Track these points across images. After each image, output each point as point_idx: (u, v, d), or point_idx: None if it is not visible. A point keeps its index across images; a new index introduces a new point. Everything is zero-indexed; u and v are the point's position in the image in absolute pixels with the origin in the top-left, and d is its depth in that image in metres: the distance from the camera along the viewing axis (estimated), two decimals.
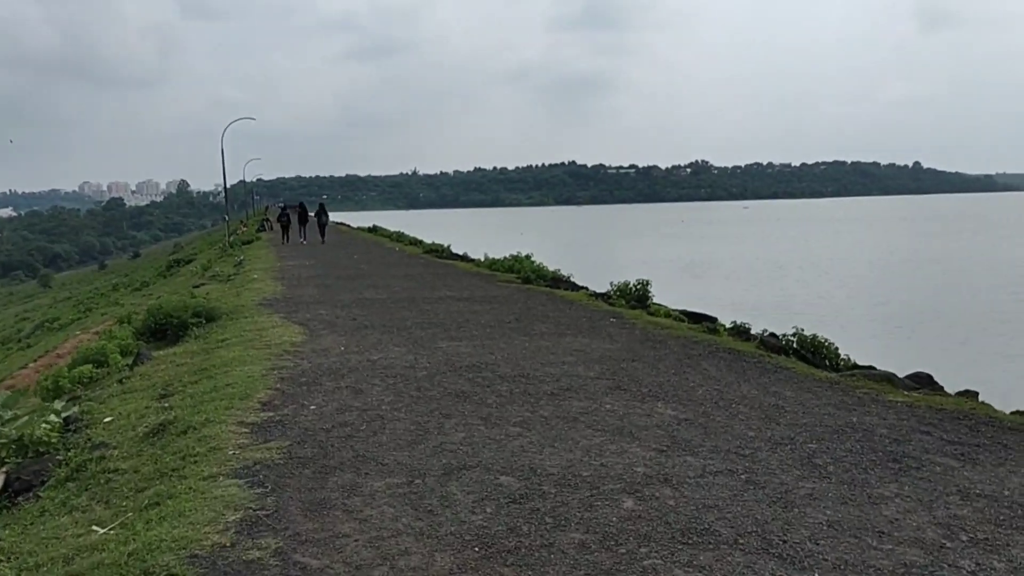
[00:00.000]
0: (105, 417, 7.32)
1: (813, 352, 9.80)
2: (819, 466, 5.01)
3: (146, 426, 6.70)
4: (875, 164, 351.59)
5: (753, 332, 11.21)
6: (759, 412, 6.31)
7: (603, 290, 17.82)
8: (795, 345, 9.63)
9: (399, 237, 39.70)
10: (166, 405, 7.37)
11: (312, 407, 6.63)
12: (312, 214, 39.72)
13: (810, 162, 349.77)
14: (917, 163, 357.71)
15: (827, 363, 9.74)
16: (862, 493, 4.54)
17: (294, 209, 45.68)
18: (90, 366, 10.98)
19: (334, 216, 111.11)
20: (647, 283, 15.29)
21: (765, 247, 76.41)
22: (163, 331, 12.67)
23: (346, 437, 5.76)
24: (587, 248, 77.36)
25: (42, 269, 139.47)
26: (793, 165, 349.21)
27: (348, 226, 66.51)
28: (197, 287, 22.07)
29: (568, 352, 9.02)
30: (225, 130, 46.89)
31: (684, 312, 12.39)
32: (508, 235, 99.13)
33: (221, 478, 4.91)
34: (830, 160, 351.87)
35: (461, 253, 30.87)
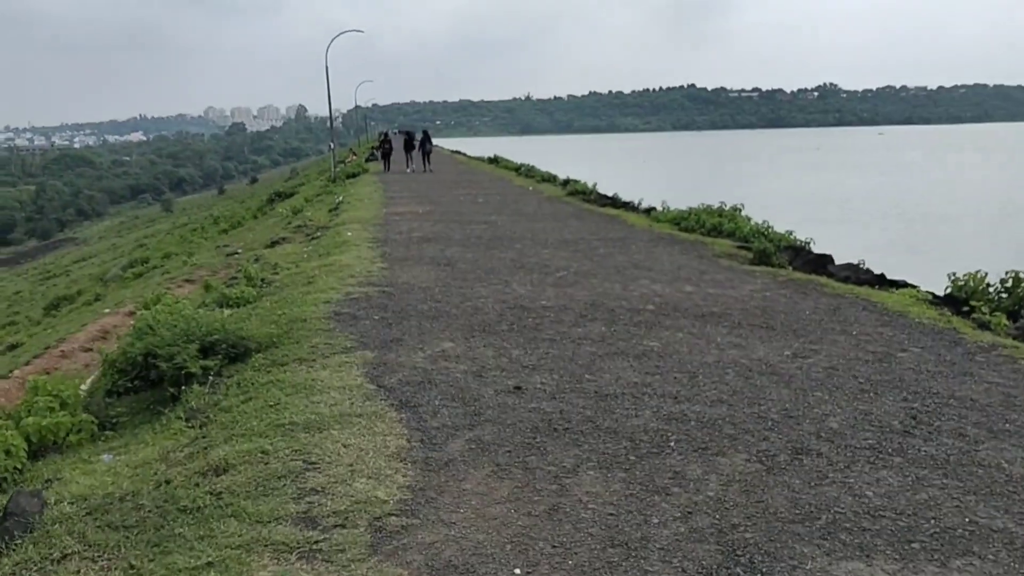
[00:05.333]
0: None
1: None
2: None
3: None
4: (1020, 88, 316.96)
5: None
6: None
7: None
8: None
9: (529, 172, 32.95)
10: None
11: None
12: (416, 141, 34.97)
13: (948, 85, 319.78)
14: None
15: None
16: None
17: (403, 135, 40.40)
18: None
19: (448, 143, 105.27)
20: None
21: (926, 180, 66.00)
22: (154, 375, 6.62)
23: None
24: (724, 182, 68.55)
25: (167, 193, 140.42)
26: (929, 88, 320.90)
27: (465, 155, 60.14)
28: (273, 245, 16.25)
29: None
30: (330, 45, 40.88)
31: None
32: (631, 165, 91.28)
33: None
34: (970, 83, 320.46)
35: (611, 195, 23.90)
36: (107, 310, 14.51)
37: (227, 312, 8.73)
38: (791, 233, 13.83)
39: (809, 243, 13.50)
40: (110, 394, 6.93)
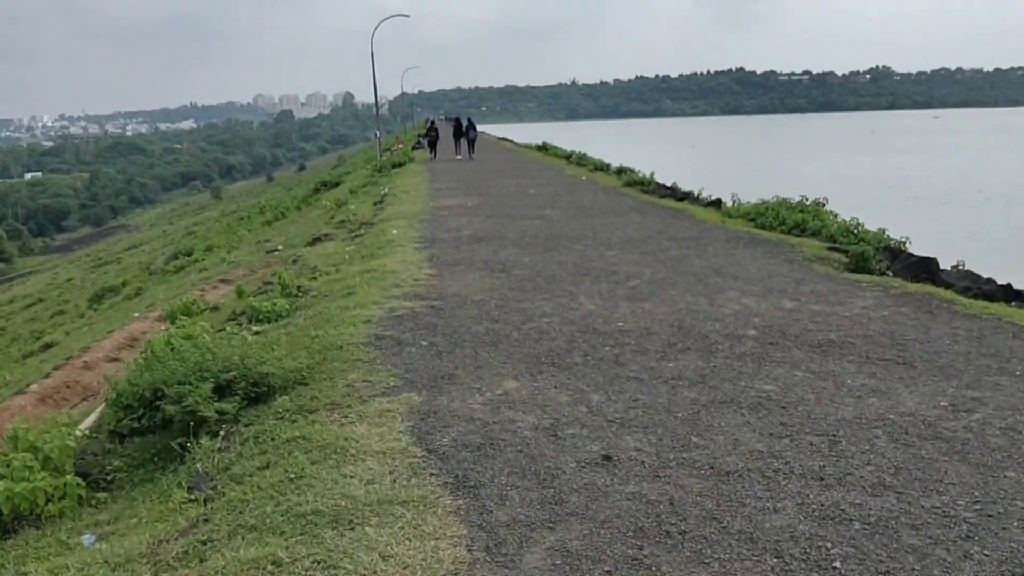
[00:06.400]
0: None
1: None
2: None
3: None
4: None
5: None
6: None
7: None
8: None
9: (580, 160, 31.52)
10: None
11: None
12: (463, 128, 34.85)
13: (1005, 67, 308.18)
14: None
15: None
16: None
17: (450, 122, 39.57)
18: None
19: (494, 129, 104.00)
20: None
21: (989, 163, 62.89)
22: (161, 417, 5.50)
23: None
24: (777, 168, 66.14)
25: (216, 179, 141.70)
26: (985, 70, 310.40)
27: (512, 142, 58.80)
28: (314, 242, 15.21)
29: None
30: (375, 30, 39.90)
31: None
32: (680, 150, 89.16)
33: None
34: None
35: (670, 185, 22.42)
36: (136, 314, 13.62)
37: (255, 330, 7.66)
38: (884, 231, 12.33)
39: (905, 243, 12.00)
40: (113, 436, 5.88)
